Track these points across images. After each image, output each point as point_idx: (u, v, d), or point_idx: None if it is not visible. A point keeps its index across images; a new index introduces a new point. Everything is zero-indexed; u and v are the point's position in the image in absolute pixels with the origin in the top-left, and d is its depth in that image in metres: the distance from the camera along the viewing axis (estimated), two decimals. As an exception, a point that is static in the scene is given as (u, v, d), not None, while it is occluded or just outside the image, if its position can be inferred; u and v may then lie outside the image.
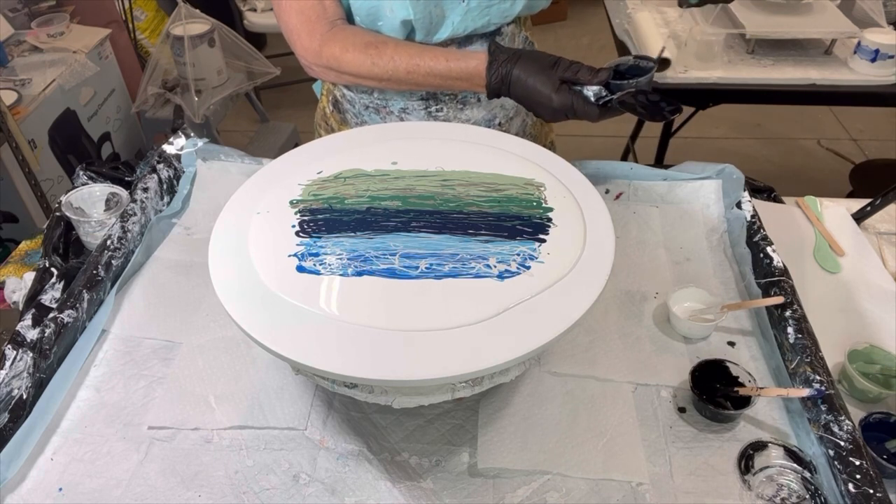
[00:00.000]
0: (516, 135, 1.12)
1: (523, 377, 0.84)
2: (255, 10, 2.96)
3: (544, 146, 1.19)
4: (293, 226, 0.77)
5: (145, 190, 1.06)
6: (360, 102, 1.09)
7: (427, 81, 0.96)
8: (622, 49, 1.88)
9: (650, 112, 0.84)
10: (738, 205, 1.04)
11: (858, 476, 0.69)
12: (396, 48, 0.95)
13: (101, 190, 1.07)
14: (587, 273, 0.71)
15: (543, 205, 0.79)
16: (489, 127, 1.09)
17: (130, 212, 1.01)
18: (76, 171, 1.14)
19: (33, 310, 0.90)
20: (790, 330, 0.84)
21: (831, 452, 0.72)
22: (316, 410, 0.81)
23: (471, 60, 0.92)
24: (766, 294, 0.91)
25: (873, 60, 1.72)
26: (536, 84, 0.87)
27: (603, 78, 0.85)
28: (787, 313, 0.86)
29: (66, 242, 1.04)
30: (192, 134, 1.19)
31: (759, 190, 1.15)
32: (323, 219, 0.77)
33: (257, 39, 3.08)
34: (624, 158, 2.43)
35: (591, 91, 0.85)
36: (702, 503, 0.72)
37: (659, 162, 2.00)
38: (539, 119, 0.91)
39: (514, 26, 1.04)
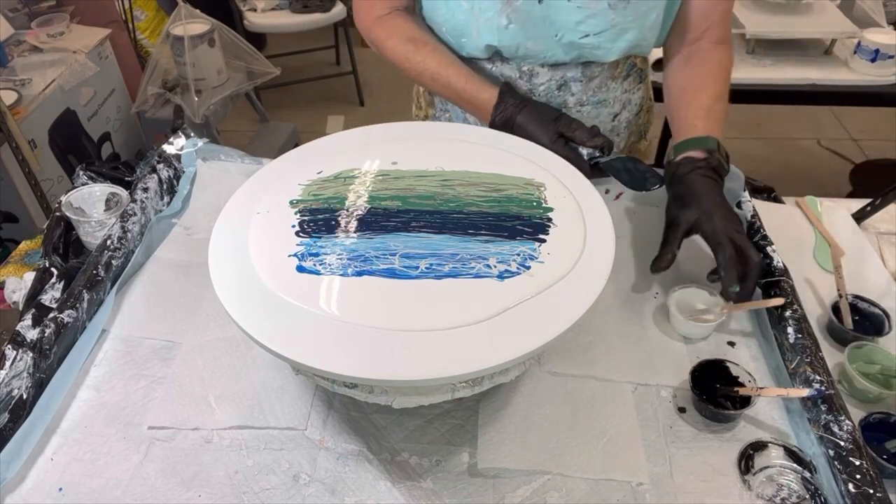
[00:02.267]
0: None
1: (523, 377, 0.84)
2: (255, 10, 2.96)
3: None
4: (293, 226, 0.77)
5: (145, 190, 1.06)
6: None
7: (445, 92, 0.98)
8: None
9: (634, 181, 0.89)
10: (738, 205, 1.03)
11: (858, 476, 0.69)
12: (433, 52, 0.96)
13: (101, 190, 1.07)
14: (587, 273, 0.71)
15: (543, 205, 0.79)
16: None
17: (130, 212, 1.01)
18: (76, 171, 1.14)
19: (33, 310, 0.90)
20: (790, 330, 0.84)
21: (831, 452, 0.72)
22: (316, 410, 0.81)
23: (484, 93, 0.94)
24: (766, 294, 0.91)
25: (873, 60, 1.72)
26: (537, 133, 0.90)
27: (598, 143, 0.89)
28: (787, 313, 0.86)
29: (66, 242, 1.04)
30: (192, 134, 1.19)
31: (759, 190, 1.15)
32: (323, 218, 0.77)
33: (257, 39, 3.09)
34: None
35: (584, 150, 0.90)
36: (702, 503, 0.72)
37: (659, 162, 2.00)
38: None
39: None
